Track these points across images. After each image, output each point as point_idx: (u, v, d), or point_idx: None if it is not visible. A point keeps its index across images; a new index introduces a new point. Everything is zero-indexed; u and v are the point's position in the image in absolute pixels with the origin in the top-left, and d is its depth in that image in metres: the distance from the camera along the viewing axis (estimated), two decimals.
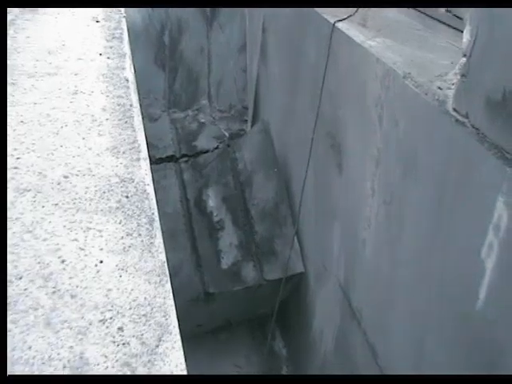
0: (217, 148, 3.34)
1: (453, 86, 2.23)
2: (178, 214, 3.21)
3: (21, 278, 1.23)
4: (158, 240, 1.40)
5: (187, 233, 3.18)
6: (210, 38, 3.99)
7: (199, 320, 3.50)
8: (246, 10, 4.35)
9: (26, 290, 1.21)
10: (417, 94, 2.35)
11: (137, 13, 4.37)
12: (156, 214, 1.48)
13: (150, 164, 3.31)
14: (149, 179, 1.59)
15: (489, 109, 1.88)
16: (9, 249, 1.29)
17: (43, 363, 1.07)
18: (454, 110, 2.11)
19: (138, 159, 1.67)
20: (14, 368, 1.05)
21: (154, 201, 1.53)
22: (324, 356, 3.34)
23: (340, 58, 3.09)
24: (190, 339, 3.79)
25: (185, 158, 3.32)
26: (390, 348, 2.63)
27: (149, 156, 3.31)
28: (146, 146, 1.73)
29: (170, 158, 3.30)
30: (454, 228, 2.08)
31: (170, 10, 4.32)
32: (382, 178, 2.68)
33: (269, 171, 3.43)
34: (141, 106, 3.58)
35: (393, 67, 2.57)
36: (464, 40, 2.06)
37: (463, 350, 2.02)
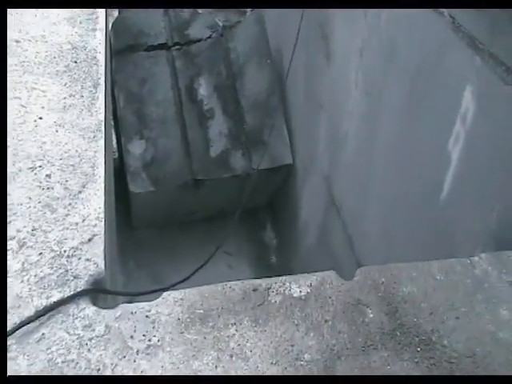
0: (210, 37, 3.32)
1: None
2: (169, 102, 3.25)
3: None
4: (100, 102, 1.46)
5: (177, 120, 3.24)
6: None
7: (191, 207, 3.63)
8: None
9: None
10: None
11: None
12: (103, 79, 1.54)
13: (142, 51, 3.34)
14: (102, 48, 1.63)
15: None
16: None
17: None
18: None
19: (95, 29, 1.70)
20: None
21: (103, 67, 1.58)
22: (308, 248, 3.48)
23: None
24: (183, 225, 3.95)
25: (177, 46, 3.32)
26: (364, 239, 2.72)
27: (140, 43, 3.34)
28: (105, 18, 1.76)
29: (162, 46, 3.30)
30: (425, 119, 2.10)
31: None
32: (364, 70, 2.67)
33: (262, 62, 3.40)
34: None
35: None
36: None
37: (426, 242, 2.09)
